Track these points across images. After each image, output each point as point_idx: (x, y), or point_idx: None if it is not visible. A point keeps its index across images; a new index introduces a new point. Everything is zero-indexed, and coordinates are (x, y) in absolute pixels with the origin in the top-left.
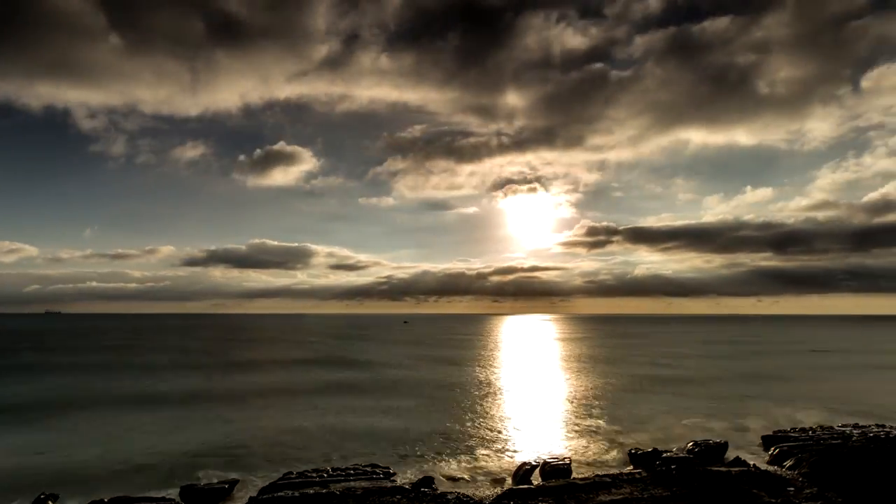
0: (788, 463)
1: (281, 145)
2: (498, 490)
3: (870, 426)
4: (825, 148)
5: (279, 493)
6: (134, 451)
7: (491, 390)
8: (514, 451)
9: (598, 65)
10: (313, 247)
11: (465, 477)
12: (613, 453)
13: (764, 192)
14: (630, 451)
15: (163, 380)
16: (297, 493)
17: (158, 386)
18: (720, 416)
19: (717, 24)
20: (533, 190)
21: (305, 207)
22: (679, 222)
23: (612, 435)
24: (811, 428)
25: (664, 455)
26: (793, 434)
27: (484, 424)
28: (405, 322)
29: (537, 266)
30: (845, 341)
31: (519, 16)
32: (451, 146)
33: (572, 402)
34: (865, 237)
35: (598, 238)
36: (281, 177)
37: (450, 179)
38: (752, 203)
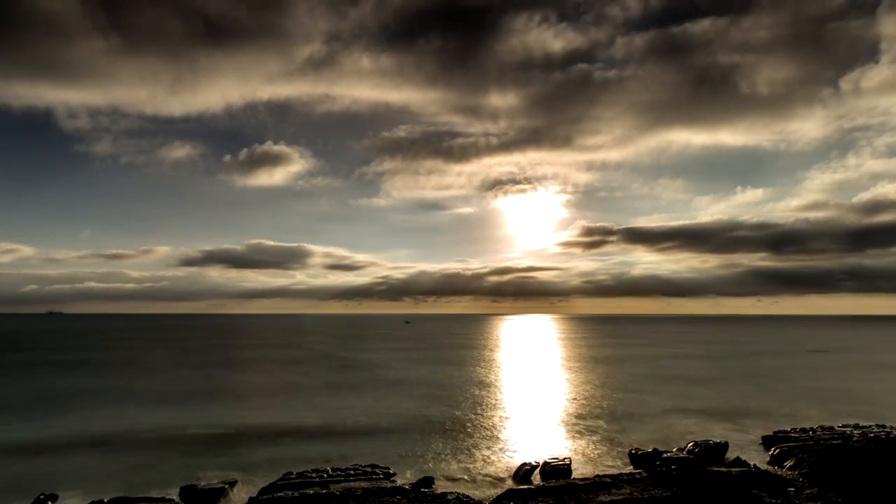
0: (789, 463)
1: (268, 145)
2: (498, 490)
3: (870, 426)
4: (812, 148)
5: (279, 494)
6: (133, 451)
7: (491, 390)
8: (514, 452)
9: (583, 65)
10: (310, 247)
11: (465, 477)
12: (613, 454)
13: (755, 193)
14: (630, 451)
15: (163, 379)
16: (296, 494)
17: (159, 386)
18: (720, 417)
19: (700, 26)
20: (525, 190)
21: (298, 207)
22: (674, 223)
23: (612, 435)
24: (811, 428)
25: (664, 455)
26: (793, 434)
27: (484, 424)
28: (407, 322)
29: (534, 266)
30: (845, 341)
31: (503, 17)
32: (439, 146)
33: (572, 402)
34: (860, 238)
35: (594, 238)
36: (270, 177)
37: (440, 180)
38: (744, 203)
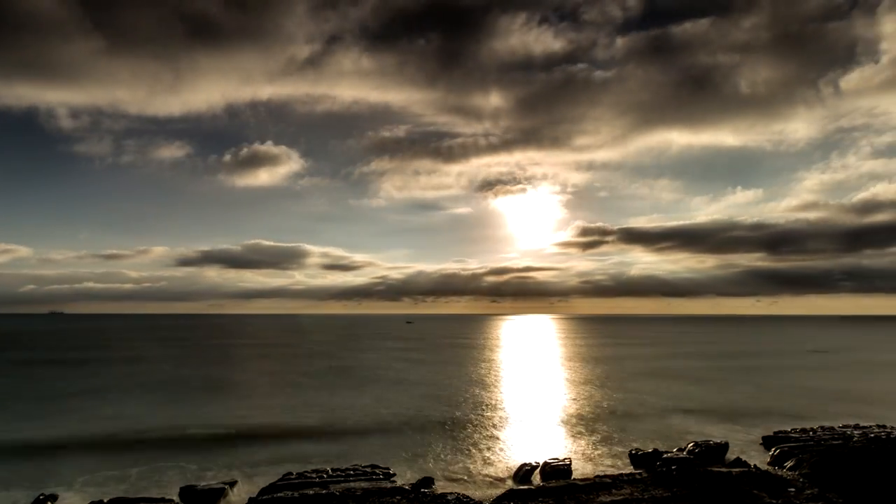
0: (789, 463)
1: (266, 145)
2: (498, 490)
3: (871, 427)
4: (805, 149)
5: (279, 494)
6: (133, 451)
7: (491, 390)
8: (514, 452)
9: (579, 66)
10: (307, 247)
11: (465, 477)
12: (614, 454)
13: (751, 193)
14: (630, 451)
15: (163, 379)
16: (296, 494)
17: (159, 386)
18: (720, 417)
19: (696, 27)
20: (522, 190)
21: (293, 207)
22: (671, 223)
23: (612, 435)
24: (812, 428)
25: (665, 456)
26: (793, 434)
27: (484, 424)
28: (409, 322)
29: (531, 266)
30: (845, 341)
31: (494, 17)
32: (433, 146)
33: (572, 402)
34: (856, 238)
35: (592, 238)
36: (266, 177)
37: (437, 180)
38: (740, 204)
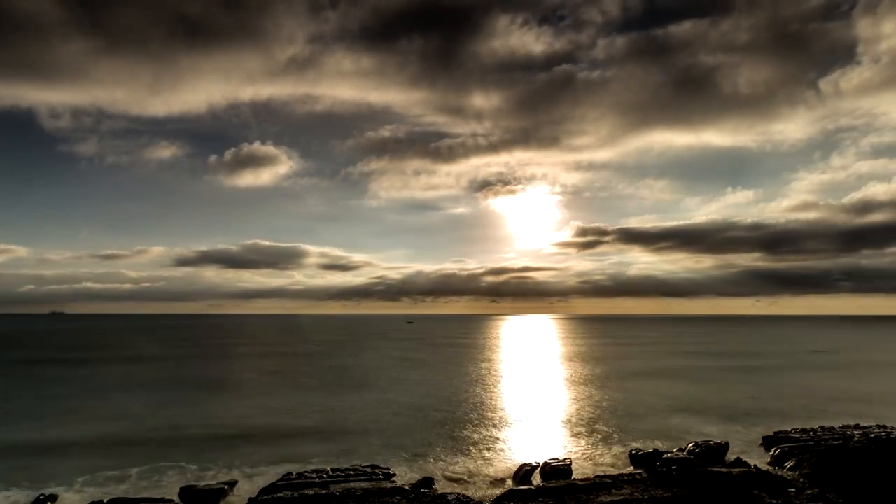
0: (789, 464)
1: (254, 145)
2: (498, 491)
3: (871, 427)
4: (797, 149)
5: (279, 494)
6: (133, 451)
7: (491, 390)
8: (514, 452)
9: (566, 66)
10: (305, 247)
11: (465, 477)
12: (614, 454)
13: (745, 194)
14: (631, 451)
15: (163, 379)
16: (296, 494)
17: (159, 386)
18: (721, 417)
19: (682, 28)
20: (515, 191)
21: (289, 207)
22: (668, 223)
23: (612, 436)
24: (812, 428)
25: (665, 456)
26: (794, 435)
27: (484, 424)
28: (410, 322)
29: (529, 266)
30: (845, 341)
31: (485, 18)
32: (426, 147)
33: (572, 402)
34: (854, 238)
35: (589, 238)
36: (263, 177)
37: (433, 180)
38: (735, 204)
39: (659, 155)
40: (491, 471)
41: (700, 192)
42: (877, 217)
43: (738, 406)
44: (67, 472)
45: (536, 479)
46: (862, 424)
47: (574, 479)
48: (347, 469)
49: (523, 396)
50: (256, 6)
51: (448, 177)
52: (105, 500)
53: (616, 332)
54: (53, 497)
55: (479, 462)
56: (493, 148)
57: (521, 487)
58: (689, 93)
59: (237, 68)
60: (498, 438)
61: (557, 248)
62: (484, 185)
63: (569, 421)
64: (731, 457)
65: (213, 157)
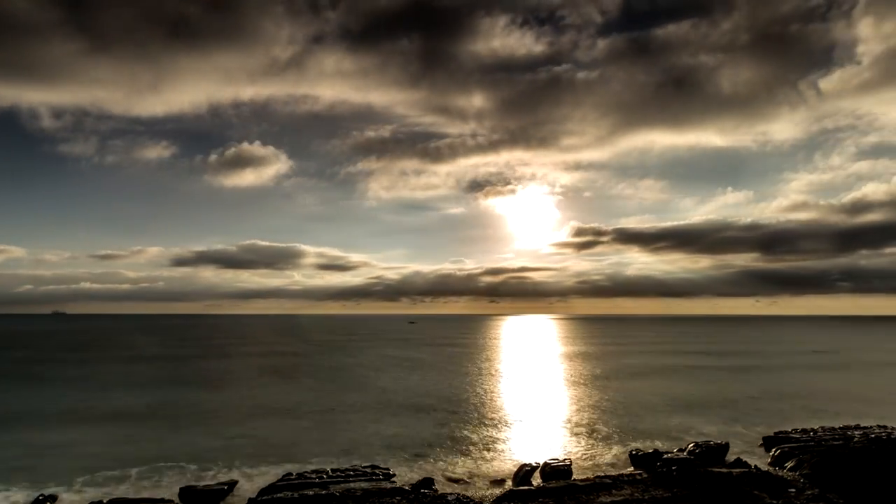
0: (790, 464)
1: (246, 146)
2: (498, 491)
3: (871, 427)
4: (793, 150)
5: (278, 495)
6: (134, 451)
7: (491, 391)
8: (515, 452)
9: (558, 67)
10: (303, 247)
11: (465, 478)
12: (614, 454)
13: (741, 194)
14: (631, 452)
15: (164, 379)
16: (296, 495)
17: (159, 386)
18: (721, 417)
19: (677, 29)
20: (510, 191)
21: (285, 207)
22: (665, 223)
23: (613, 436)
24: (812, 429)
25: (665, 456)
26: (794, 435)
27: (484, 425)
28: (411, 322)
29: (527, 266)
30: (845, 342)
31: (477, 18)
32: (420, 147)
33: (572, 402)
34: (850, 238)
35: (586, 239)
36: (253, 177)
37: (425, 180)
38: (730, 205)
39: (654, 155)
40: (491, 471)
41: (696, 192)
42: (873, 217)
43: (738, 406)
44: (67, 472)
45: (536, 480)
46: (862, 425)
47: (574, 480)
48: (347, 469)
49: (523, 397)
50: (251, 7)
51: (444, 177)
52: (105, 500)
53: (615, 332)
54: (53, 497)
55: (479, 462)
56: (489, 148)
57: (522, 488)
58: (685, 93)
59: (233, 68)
60: (498, 439)
61: (555, 249)
62: (479, 186)
63: (569, 421)
64: (731, 457)
65: (209, 157)
